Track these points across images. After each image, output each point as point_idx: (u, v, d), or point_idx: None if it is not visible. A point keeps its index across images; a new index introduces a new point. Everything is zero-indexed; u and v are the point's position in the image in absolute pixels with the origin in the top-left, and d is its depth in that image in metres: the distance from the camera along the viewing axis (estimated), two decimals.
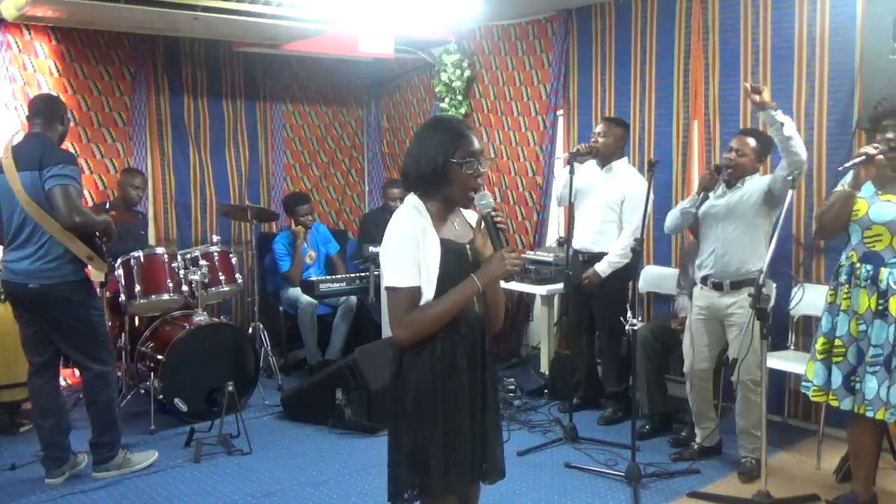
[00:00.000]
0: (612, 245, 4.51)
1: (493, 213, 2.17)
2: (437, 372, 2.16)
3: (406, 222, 2.15)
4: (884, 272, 3.05)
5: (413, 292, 2.12)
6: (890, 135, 3.06)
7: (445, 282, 2.14)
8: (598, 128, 4.59)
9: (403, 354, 2.19)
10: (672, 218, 4.04)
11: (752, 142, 3.80)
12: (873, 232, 3.08)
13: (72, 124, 5.32)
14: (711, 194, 3.88)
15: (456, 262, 2.17)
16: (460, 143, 2.17)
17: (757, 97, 3.38)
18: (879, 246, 3.07)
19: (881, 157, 3.02)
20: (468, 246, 2.24)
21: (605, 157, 4.56)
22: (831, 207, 3.20)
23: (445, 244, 2.17)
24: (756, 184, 3.77)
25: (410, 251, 2.11)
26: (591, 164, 4.64)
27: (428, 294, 2.13)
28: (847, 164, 3.11)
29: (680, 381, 4.15)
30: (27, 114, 3.80)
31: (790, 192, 3.39)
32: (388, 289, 2.14)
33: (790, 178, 3.38)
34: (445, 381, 2.17)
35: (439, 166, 2.15)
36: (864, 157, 3.04)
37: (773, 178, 3.67)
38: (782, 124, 3.41)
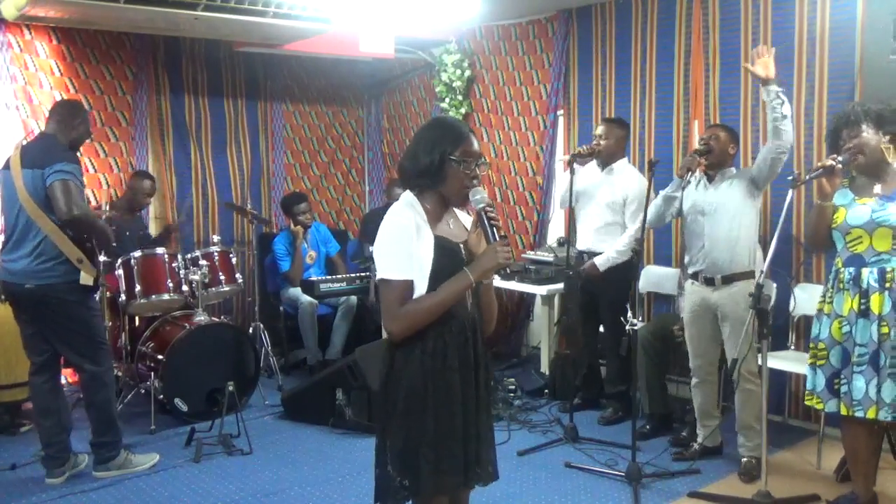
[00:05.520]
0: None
1: (487, 209, 2.17)
2: (429, 370, 2.15)
3: (401, 217, 2.15)
4: (864, 272, 3.08)
5: (406, 285, 2.11)
6: (848, 143, 3.13)
7: (438, 279, 2.13)
8: (599, 129, 4.58)
9: (395, 353, 2.19)
10: (654, 207, 3.90)
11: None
12: (853, 235, 3.13)
13: None
14: (692, 190, 3.87)
15: (449, 260, 2.17)
16: (460, 141, 2.18)
17: (762, 73, 3.45)
18: (860, 248, 3.11)
19: (840, 166, 3.09)
20: (462, 245, 2.24)
21: (606, 159, 4.54)
22: (809, 221, 3.28)
23: (439, 241, 2.17)
24: (738, 175, 3.80)
25: (405, 245, 2.11)
26: (592, 165, 4.64)
27: (420, 289, 2.13)
28: (808, 177, 3.19)
29: (680, 381, 4.14)
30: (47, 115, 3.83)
31: (790, 193, 3.40)
32: (380, 281, 2.14)
33: (790, 178, 3.39)
34: (437, 379, 2.16)
35: (436, 162, 2.16)
36: (821, 170, 3.10)
37: (756, 165, 3.72)
38: (783, 102, 3.47)
